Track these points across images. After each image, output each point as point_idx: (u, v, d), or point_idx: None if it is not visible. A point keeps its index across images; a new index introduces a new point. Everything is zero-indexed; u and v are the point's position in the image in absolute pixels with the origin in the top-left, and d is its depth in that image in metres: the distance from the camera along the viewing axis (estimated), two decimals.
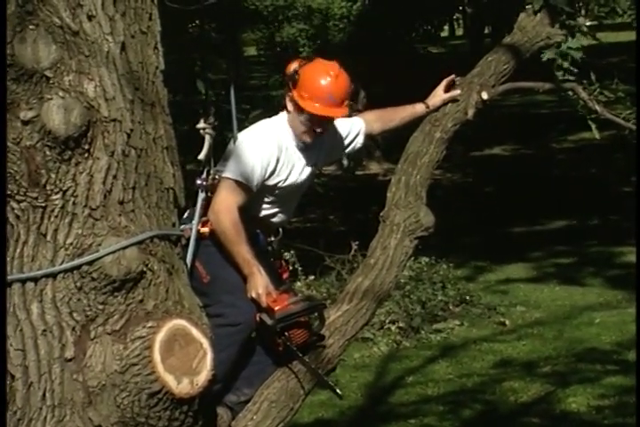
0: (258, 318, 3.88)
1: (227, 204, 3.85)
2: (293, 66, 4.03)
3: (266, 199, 4.03)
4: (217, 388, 3.43)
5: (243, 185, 3.87)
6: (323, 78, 3.95)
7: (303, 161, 4.05)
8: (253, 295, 3.85)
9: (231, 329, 3.78)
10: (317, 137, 4.01)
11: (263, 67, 20.60)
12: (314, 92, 3.93)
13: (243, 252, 3.86)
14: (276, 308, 3.84)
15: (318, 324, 3.89)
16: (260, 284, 3.85)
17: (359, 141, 4.26)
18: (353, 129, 4.22)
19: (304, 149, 4.03)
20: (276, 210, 4.07)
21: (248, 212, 3.96)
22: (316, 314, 3.89)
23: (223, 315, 3.77)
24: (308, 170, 4.08)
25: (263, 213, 4.05)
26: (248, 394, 3.87)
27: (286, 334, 3.83)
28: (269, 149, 3.93)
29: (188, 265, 3.49)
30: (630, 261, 11.10)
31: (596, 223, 13.88)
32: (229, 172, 3.88)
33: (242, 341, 3.86)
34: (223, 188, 3.87)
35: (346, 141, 4.23)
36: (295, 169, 4.02)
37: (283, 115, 4.07)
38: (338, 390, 4.16)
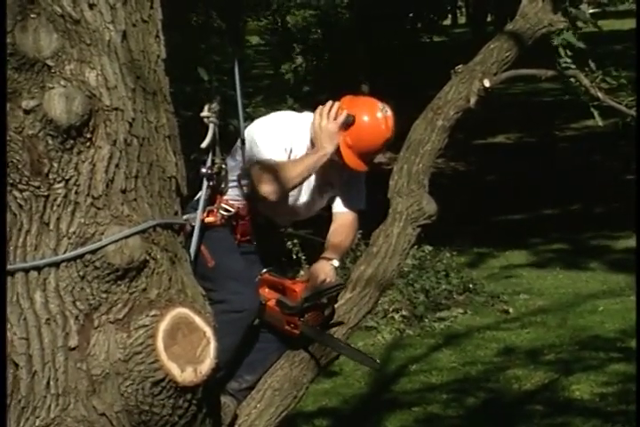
0: (274, 303, 3.88)
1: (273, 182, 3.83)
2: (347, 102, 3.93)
3: None
4: (220, 375, 3.44)
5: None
6: (376, 140, 3.90)
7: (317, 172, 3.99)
8: (329, 131, 3.82)
9: (235, 316, 3.77)
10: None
11: (266, 56, 20.58)
12: (361, 147, 3.89)
13: (304, 165, 3.83)
14: (298, 289, 3.85)
15: (328, 305, 3.90)
16: (328, 135, 3.82)
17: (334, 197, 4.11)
18: (353, 195, 4.10)
19: None
20: (279, 214, 4.06)
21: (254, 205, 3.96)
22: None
23: (227, 301, 3.76)
24: (320, 186, 4.03)
25: (267, 210, 4.04)
26: (250, 381, 3.88)
27: (305, 315, 3.84)
28: (283, 137, 3.91)
29: (192, 254, 3.50)
30: (634, 248, 11.09)
31: (600, 211, 13.88)
32: (262, 154, 3.86)
33: (245, 327, 3.86)
34: (263, 168, 3.84)
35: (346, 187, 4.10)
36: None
37: (309, 118, 4.01)
38: (377, 360, 4.15)
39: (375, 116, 3.90)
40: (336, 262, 4.00)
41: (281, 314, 3.87)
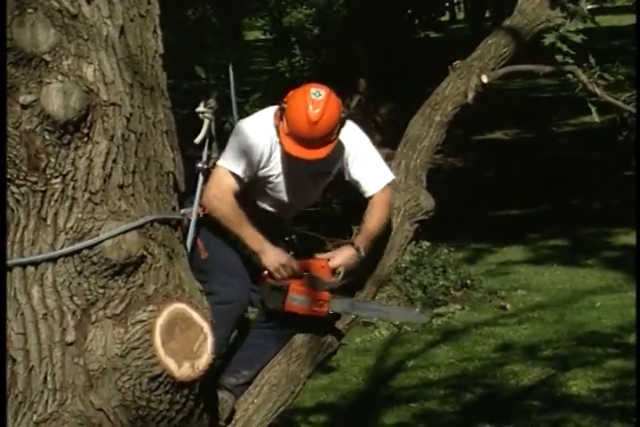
0: (302, 282, 3.84)
1: (220, 189, 3.84)
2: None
3: (262, 192, 4.00)
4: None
5: (234, 173, 3.86)
6: (302, 122, 3.76)
7: (304, 163, 3.92)
8: (275, 267, 3.83)
9: (223, 307, 3.74)
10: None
11: (264, 51, 20.57)
12: (294, 131, 3.79)
13: (247, 230, 3.84)
14: (326, 264, 3.83)
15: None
16: (277, 256, 3.84)
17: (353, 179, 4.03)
18: (364, 176, 3.99)
19: None
20: (273, 209, 4.04)
21: (248, 199, 3.95)
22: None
23: (216, 293, 3.74)
24: (315, 175, 3.99)
25: (262, 205, 4.03)
26: (247, 376, 3.88)
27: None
28: (262, 139, 3.87)
29: (189, 248, 3.51)
30: (632, 244, 11.10)
31: (597, 207, 13.88)
32: (222, 159, 3.87)
33: (236, 320, 3.86)
34: (216, 174, 3.87)
35: (344, 168, 4.01)
36: (293, 168, 3.93)
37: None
38: (425, 312, 4.08)
39: (302, 99, 3.80)
40: (362, 251, 3.92)
41: (312, 292, 3.83)
